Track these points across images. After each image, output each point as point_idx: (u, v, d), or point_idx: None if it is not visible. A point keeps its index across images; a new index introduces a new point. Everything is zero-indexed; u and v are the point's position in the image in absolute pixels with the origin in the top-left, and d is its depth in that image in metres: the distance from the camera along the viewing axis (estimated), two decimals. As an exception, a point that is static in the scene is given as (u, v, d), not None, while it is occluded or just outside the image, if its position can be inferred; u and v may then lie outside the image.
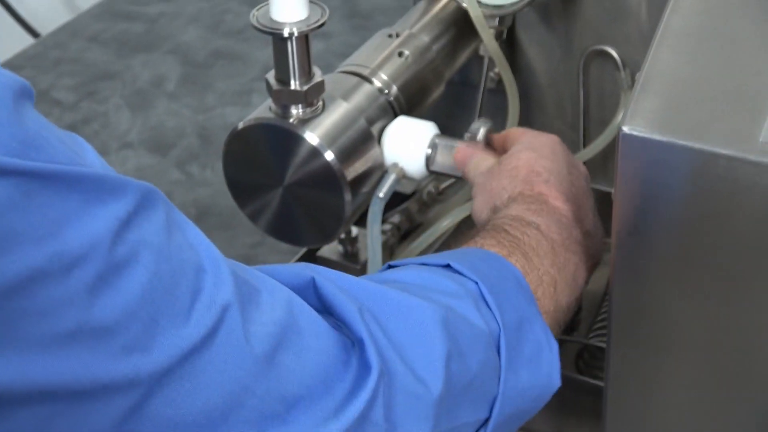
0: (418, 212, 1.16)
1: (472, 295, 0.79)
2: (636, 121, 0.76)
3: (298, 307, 0.70)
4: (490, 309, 0.79)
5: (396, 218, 1.15)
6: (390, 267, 0.83)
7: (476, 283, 0.79)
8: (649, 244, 0.78)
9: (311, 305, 0.72)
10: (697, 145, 0.73)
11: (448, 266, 0.81)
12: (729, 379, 0.80)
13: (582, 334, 1.03)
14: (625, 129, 0.75)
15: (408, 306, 0.75)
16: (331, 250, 1.11)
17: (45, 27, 1.80)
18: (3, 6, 1.89)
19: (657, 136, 0.75)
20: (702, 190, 0.74)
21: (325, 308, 0.73)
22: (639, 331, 0.81)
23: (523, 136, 0.99)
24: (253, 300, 0.66)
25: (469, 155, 0.98)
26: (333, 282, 0.74)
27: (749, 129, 0.73)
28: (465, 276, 0.80)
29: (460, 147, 0.99)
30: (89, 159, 0.63)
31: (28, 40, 1.80)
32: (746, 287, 0.76)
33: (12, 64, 1.60)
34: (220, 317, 0.63)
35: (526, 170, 0.93)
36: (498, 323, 0.78)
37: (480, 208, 0.94)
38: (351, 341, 0.71)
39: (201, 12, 1.69)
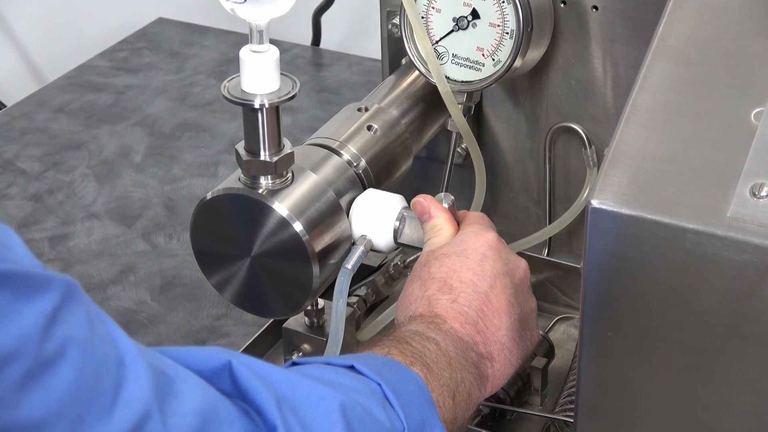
0: (384, 285, 1.16)
1: (376, 394, 0.79)
2: (605, 196, 0.77)
3: (213, 396, 0.70)
4: (394, 409, 0.79)
5: (362, 291, 1.15)
6: (294, 364, 0.83)
7: (379, 384, 0.80)
8: (616, 318, 0.78)
9: (225, 389, 0.73)
10: (666, 219, 0.74)
11: (351, 367, 0.82)
12: (696, 454, 0.80)
13: (548, 410, 1.03)
14: (594, 203, 0.76)
15: (321, 395, 0.75)
16: (297, 321, 1.11)
17: (11, 98, 1.80)
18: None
19: (626, 210, 0.76)
20: (670, 264, 0.75)
21: (238, 393, 0.73)
22: (606, 404, 0.81)
23: (473, 225, 0.99)
24: (171, 390, 0.67)
25: (425, 212, 0.99)
26: (249, 368, 0.74)
27: (717, 203, 0.74)
28: (368, 377, 0.81)
29: (420, 199, 0.99)
30: (17, 253, 0.63)
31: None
32: (713, 363, 0.77)
33: (-23, 133, 1.60)
34: (142, 413, 0.64)
35: (438, 284, 0.93)
36: (402, 422, 0.79)
37: (399, 308, 0.95)
38: (262, 428, 0.72)
39: (169, 84, 1.69)
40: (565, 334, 1.14)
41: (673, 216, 0.74)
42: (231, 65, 1.70)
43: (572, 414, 0.99)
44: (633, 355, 0.78)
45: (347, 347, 1.12)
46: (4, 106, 1.85)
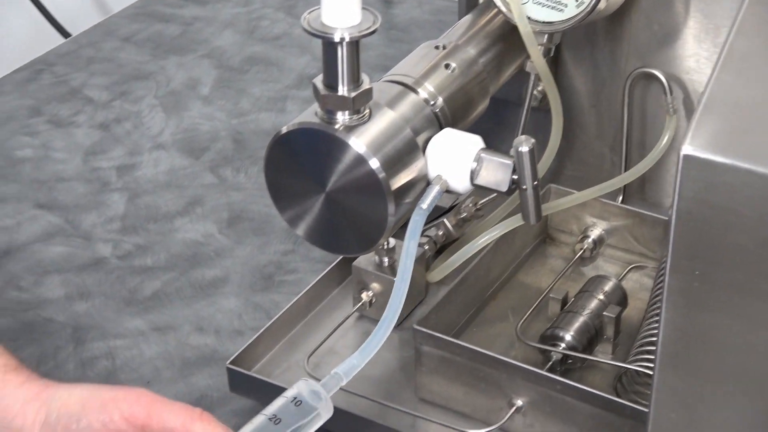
0: (455, 226, 1.15)
1: None
2: (697, 143, 0.75)
3: None
4: None
5: (432, 232, 1.14)
6: None
7: None
8: (704, 268, 0.76)
9: None
10: (760, 169, 0.72)
11: None
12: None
13: (620, 359, 1.02)
14: (686, 150, 0.74)
15: None
16: (367, 260, 1.10)
17: (76, 28, 1.79)
18: (35, 5, 1.88)
19: (718, 158, 0.74)
20: (763, 214, 0.73)
21: None
22: (687, 356, 0.80)
23: None
24: None
25: None
26: None
27: (817, 154, 0.71)
28: None
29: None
30: None
31: (58, 40, 1.79)
32: (801, 317, 0.75)
33: (44, 61, 1.60)
34: None
35: None
36: None
37: None
38: None
39: (236, 17, 1.68)
40: (637, 284, 1.13)
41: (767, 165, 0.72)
42: (299, 0, 1.69)
43: (645, 364, 0.97)
44: (719, 307, 0.76)
45: (416, 288, 1.11)
46: (69, 35, 1.84)
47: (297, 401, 0.81)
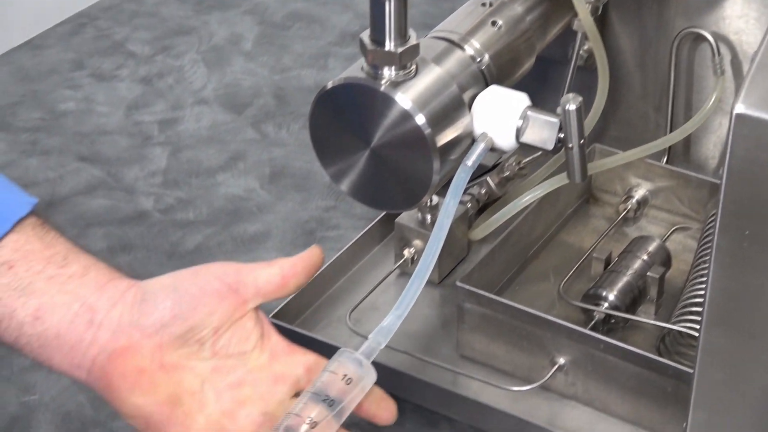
0: (498, 185, 1.14)
1: None
2: (750, 101, 0.74)
3: None
4: None
5: (475, 190, 1.13)
6: None
7: None
8: (754, 228, 0.76)
9: None
10: (814, 129, 0.72)
11: None
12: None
13: (663, 320, 1.02)
14: (739, 109, 0.74)
15: None
16: (410, 217, 1.10)
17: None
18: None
19: (772, 118, 0.73)
20: (816, 175, 0.72)
21: None
22: (735, 316, 0.79)
23: None
24: None
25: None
26: None
27: None
28: None
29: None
30: None
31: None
32: None
33: (87, 15, 1.60)
34: None
35: None
36: None
37: None
38: None
39: (279, -27, 1.68)
40: (681, 245, 1.12)
41: (822, 125, 0.71)
42: (343, -43, 1.68)
43: (688, 325, 0.97)
44: (769, 267, 0.76)
45: (458, 246, 1.11)
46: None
47: (347, 379, 0.82)
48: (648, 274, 1.03)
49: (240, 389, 0.83)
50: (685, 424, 0.84)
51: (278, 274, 0.85)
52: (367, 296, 1.06)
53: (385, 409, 0.85)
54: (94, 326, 0.80)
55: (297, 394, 0.84)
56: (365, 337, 1.01)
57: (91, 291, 0.81)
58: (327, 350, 0.99)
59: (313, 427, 0.80)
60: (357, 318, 1.04)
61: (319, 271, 1.08)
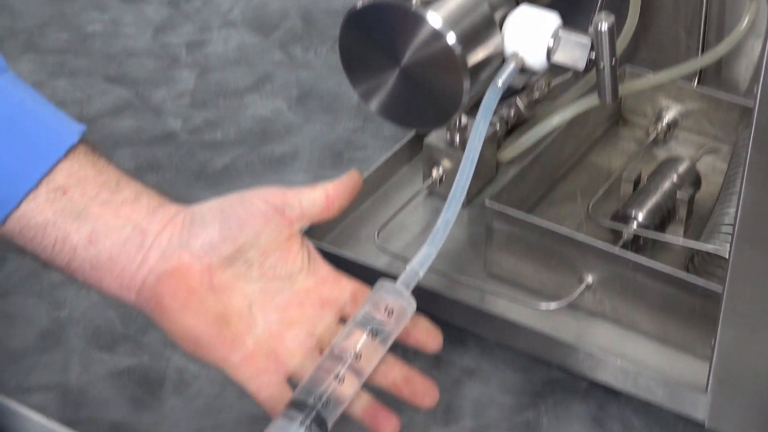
0: (527, 107, 1.14)
1: None
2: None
3: None
4: None
5: (504, 111, 1.13)
6: None
7: None
8: (787, 144, 0.76)
9: None
10: None
11: None
12: None
13: (693, 238, 1.02)
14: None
15: None
16: (438, 137, 1.10)
17: None
18: None
19: (808, 33, 0.73)
20: None
21: None
22: (765, 233, 0.79)
23: None
24: None
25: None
26: None
27: None
28: None
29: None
30: None
31: None
32: None
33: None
34: None
35: None
36: None
37: None
38: None
39: None
40: (710, 167, 1.12)
41: None
42: None
43: (716, 245, 0.97)
44: (801, 184, 0.76)
45: (487, 167, 1.11)
46: None
47: (389, 310, 0.83)
48: (677, 194, 1.03)
49: (287, 311, 0.84)
50: (713, 342, 0.85)
51: (322, 196, 0.85)
52: (395, 215, 1.07)
53: (432, 338, 0.86)
54: (145, 249, 0.81)
55: (342, 320, 0.85)
56: (393, 255, 1.02)
57: (142, 215, 0.82)
58: (355, 268, 1.00)
59: (359, 356, 0.81)
60: (385, 237, 1.05)
61: (348, 191, 1.08)
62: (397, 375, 0.84)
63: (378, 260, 1.02)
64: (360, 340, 0.81)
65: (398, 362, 0.84)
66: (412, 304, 0.84)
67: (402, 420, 0.93)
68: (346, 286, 0.86)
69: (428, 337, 0.86)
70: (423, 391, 0.85)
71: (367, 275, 1.00)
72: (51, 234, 0.81)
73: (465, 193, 0.90)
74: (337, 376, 0.80)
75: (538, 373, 0.98)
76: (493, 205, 1.00)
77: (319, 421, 0.80)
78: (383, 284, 0.84)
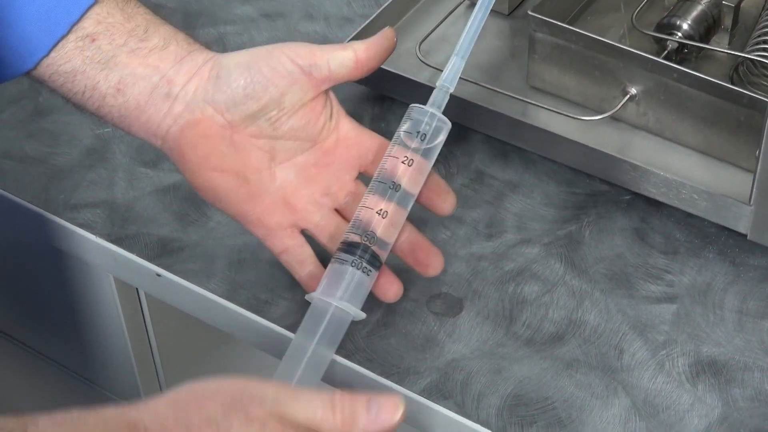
0: None
1: None
2: None
3: None
4: None
5: None
6: None
7: None
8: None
9: None
10: None
11: None
12: None
13: (737, 49, 1.00)
14: None
15: None
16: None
17: None
18: None
19: None
20: None
21: None
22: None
23: None
24: None
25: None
26: None
27: None
28: None
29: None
30: None
31: None
32: None
33: None
34: None
35: None
36: None
37: None
38: None
39: None
40: None
41: None
42: None
43: (763, 54, 0.95)
44: None
45: None
46: None
47: (409, 160, 0.83)
48: (723, 2, 1.01)
49: (306, 170, 0.85)
50: (757, 153, 0.84)
51: (352, 58, 0.84)
52: (436, 28, 1.05)
53: (445, 200, 0.86)
54: (171, 99, 0.83)
55: (362, 176, 0.86)
56: (434, 68, 1.01)
57: (170, 64, 0.83)
58: (397, 81, 1.00)
59: (384, 217, 0.82)
60: (426, 50, 1.04)
61: (387, 3, 1.07)
62: (404, 240, 0.86)
63: (420, 73, 1.02)
64: (382, 200, 0.82)
65: (408, 226, 0.85)
66: (447, 122, 0.84)
67: (444, 234, 0.95)
68: (367, 144, 0.86)
69: (441, 197, 0.86)
70: (427, 260, 0.86)
71: (409, 88, 1.00)
72: (80, 82, 0.83)
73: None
74: (379, 212, 0.82)
75: (581, 186, 0.98)
76: (536, 15, 0.98)
77: (372, 259, 0.81)
78: (413, 108, 0.84)
